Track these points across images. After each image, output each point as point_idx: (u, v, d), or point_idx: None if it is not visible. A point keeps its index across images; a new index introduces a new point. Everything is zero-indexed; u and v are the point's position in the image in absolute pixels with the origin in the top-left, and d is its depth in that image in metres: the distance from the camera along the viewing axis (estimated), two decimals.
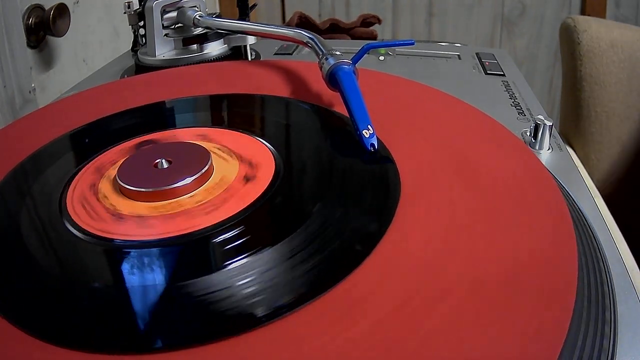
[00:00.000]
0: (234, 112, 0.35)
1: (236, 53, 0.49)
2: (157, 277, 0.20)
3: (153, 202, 0.25)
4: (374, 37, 0.76)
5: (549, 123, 0.33)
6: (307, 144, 0.30)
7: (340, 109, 0.31)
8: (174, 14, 0.48)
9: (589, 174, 0.64)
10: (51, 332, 0.18)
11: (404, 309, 0.18)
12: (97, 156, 0.29)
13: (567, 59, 0.79)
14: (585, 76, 0.77)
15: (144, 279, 0.20)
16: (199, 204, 0.24)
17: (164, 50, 0.48)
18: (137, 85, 0.40)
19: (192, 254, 0.22)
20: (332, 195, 0.24)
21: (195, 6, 0.48)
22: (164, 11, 0.47)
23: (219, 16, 0.47)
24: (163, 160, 0.27)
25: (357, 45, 0.37)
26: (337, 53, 0.33)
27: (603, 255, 0.24)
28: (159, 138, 0.31)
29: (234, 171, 0.27)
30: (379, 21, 0.78)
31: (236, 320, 0.18)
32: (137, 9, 0.51)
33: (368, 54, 0.51)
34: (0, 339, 0.18)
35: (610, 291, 0.22)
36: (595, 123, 0.72)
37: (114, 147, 0.30)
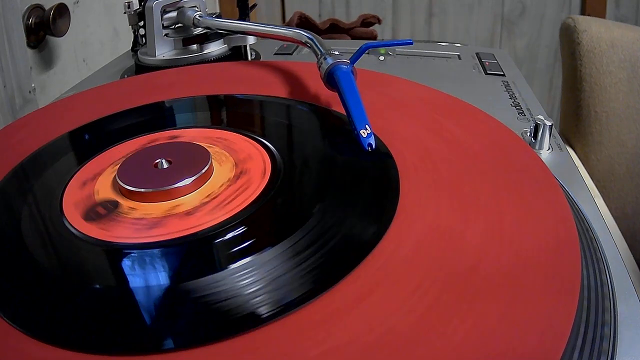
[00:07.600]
0: (233, 112, 0.35)
1: (236, 53, 0.49)
2: (157, 278, 0.20)
3: (153, 203, 0.25)
4: (374, 37, 0.76)
5: (549, 123, 0.33)
6: (306, 144, 0.30)
7: (339, 109, 0.31)
8: (174, 14, 0.48)
9: (589, 174, 0.64)
10: (51, 333, 0.18)
11: (403, 308, 0.18)
12: (97, 156, 0.29)
13: (567, 59, 0.79)
14: (585, 76, 0.77)
15: (145, 280, 0.20)
16: (199, 204, 0.24)
17: (164, 50, 0.48)
18: (137, 85, 0.40)
19: (193, 254, 0.22)
20: (333, 195, 0.24)
21: (195, 6, 0.48)
22: (164, 11, 0.47)
23: (219, 16, 0.47)
24: (163, 161, 0.27)
25: (357, 45, 0.37)
26: (336, 53, 0.33)
27: (603, 255, 0.24)
28: (157, 138, 0.31)
29: (233, 171, 0.27)
30: (379, 21, 0.78)
31: (238, 320, 0.18)
32: (137, 9, 0.51)
33: (367, 53, 0.51)
34: None
35: (610, 292, 0.22)
36: (595, 123, 0.72)
37: (114, 147, 0.30)
